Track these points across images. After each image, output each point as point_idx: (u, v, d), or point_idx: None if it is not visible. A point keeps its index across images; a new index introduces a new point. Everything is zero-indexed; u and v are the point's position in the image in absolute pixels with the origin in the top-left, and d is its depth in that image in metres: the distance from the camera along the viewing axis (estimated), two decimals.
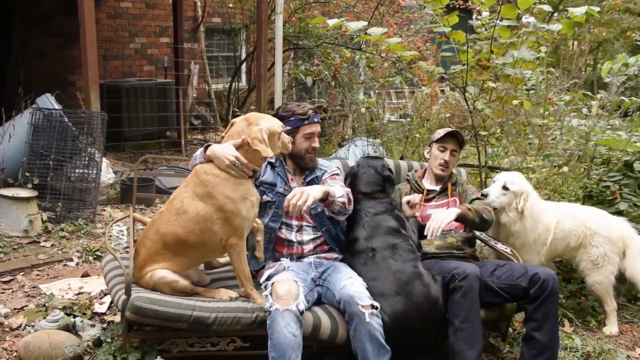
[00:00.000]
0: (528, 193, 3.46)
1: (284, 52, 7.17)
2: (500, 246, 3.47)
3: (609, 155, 4.44)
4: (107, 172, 5.68)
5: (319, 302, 2.86)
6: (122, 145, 8.00)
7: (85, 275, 4.07)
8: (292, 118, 3.02)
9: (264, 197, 3.02)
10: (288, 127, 2.99)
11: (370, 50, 7.67)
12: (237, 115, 7.82)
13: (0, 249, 4.35)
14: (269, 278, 2.85)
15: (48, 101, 5.23)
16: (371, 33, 3.81)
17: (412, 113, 7.20)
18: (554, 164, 4.40)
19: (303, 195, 2.66)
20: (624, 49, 11.80)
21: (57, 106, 5.23)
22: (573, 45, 11.79)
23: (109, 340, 2.94)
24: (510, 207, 3.47)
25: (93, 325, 3.18)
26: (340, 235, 3.11)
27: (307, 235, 3.04)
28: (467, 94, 4.31)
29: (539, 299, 2.83)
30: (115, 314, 3.42)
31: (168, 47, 9.58)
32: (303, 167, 3.10)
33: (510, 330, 3.34)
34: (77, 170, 5.12)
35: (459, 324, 2.72)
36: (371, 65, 8.18)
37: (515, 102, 4.37)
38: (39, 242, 4.62)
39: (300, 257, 3.02)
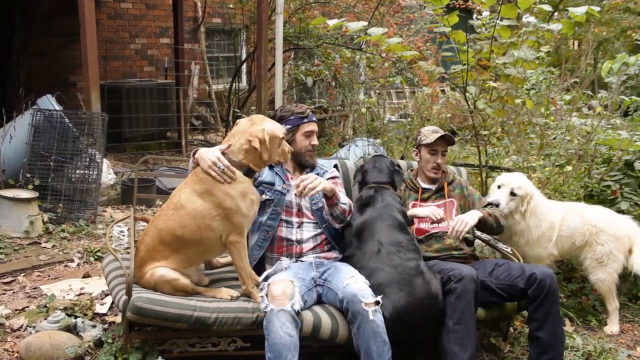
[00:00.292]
0: (532, 195, 3.49)
1: (284, 52, 7.17)
2: (500, 245, 3.48)
3: (609, 154, 4.44)
4: (108, 173, 5.68)
5: (319, 302, 2.86)
6: (123, 146, 8.01)
7: (86, 276, 4.08)
8: (292, 117, 3.09)
9: (263, 195, 3.03)
10: (288, 126, 3.05)
11: (370, 50, 7.66)
12: (238, 116, 7.83)
13: (1, 250, 4.35)
14: (267, 278, 2.86)
15: (49, 102, 5.24)
16: (371, 33, 3.81)
17: (413, 113, 7.20)
18: (555, 164, 4.39)
19: (315, 181, 2.76)
20: (624, 48, 11.80)
21: (57, 107, 5.23)
22: (573, 44, 11.79)
23: (110, 340, 2.94)
24: (516, 210, 3.50)
25: (94, 326, 3.19)
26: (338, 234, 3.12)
27: (308, 232, 3.04)
28: (467, 94, 4.31)
29: (537, 299, 2.84)
30: (116, 315, 3.43)
31: (168, 47, 9.59)
32: (303, 164, 3.14)
33: (511, 329, 3.35)
34: (77, 171, 5.13)
35: (452, 325, 2.73)
36: (371, 65, 8.17)
37: (517, 101, 4.37)
38: (40, 243, 4.62)
39: (299, 256, 3.02)
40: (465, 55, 4.06)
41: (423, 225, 3.25)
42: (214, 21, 10.58)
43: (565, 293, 3.93)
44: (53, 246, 4.59)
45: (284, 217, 3.04)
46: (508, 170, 4.50)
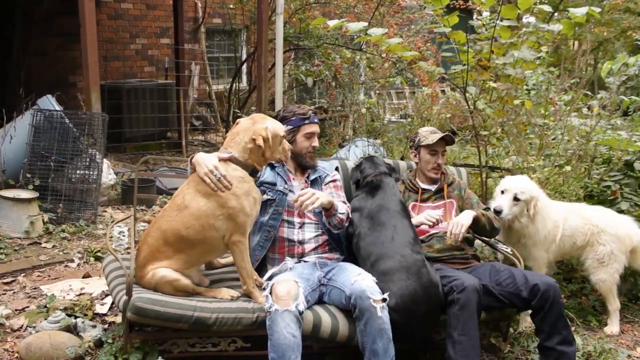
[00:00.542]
0: (537, 198, 3.45)
1: (284, 52, 7.17)
2: (500, 246, 3.47)
3: (609, 154, 4.44)
4: (108, 173, 5.68)
5: (320, 302, 2.87)
6: (123, 146, 8.01)
7: (86, 276, 4.08)
8: (293, 118, 3.10)
9: (264, 195, 3.03)
10: (289, 127, 3.06)
11: (370, 50, 7.67)
12: (238, 116, 7.83)
13: (2, 250, 4.35)
14: (271, 277, 2.86)
15: (49, 102, 5.24)
16: (371, 33, 3.81)
17: (413, 113, 7.20)
18: (555, 164, 4.39)
19: (313, 197, 2.76)
20: (624, 48, 11.80)
21: (58, 107, 5.23)
22: (574, 45, 11.79)
23: (110, 340, 2.95)
24: (521, 214, 3.46)
25: (94, 326, 3.19)
26: (341, 237, 3.13)
27: (309, 233, 3.04)
28: (467, 94, 4.31)
29: (542, 310, 2.84)
30: (116, 315, 3.43)
31: (169, 48, 9.59)
32: (303, 165, 3.15)
33: (511, 330, 3.34)
34: (78, 172, 5.13)
35: (457, 336, 2.73)
36: (372, 65, 8.17)
37: (516, 102, 4.36)
38: (40, 243, 4.62)
39: (301, 256, 3.03)
40: (465, 55, 4.06)
41: (424, 226, 3.25)
42: (214, 21, 10.59)
43: (565, 293, 3.93)
44: (53, 246, 4.59)
45: (285, 218, 3.04)
46: (508, 170, 4.50)
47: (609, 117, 4.77)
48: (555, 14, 9.61)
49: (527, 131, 4.81)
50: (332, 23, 3.80)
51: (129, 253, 3.32)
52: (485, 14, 5.13)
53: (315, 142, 3.14)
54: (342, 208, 2.99)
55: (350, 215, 3.04)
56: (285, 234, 3.04)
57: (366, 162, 3.35)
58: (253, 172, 2.82)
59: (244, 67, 9.99)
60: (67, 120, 5.09)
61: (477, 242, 3.51)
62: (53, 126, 5.05)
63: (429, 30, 8.22)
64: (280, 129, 2.84)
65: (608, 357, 3.26)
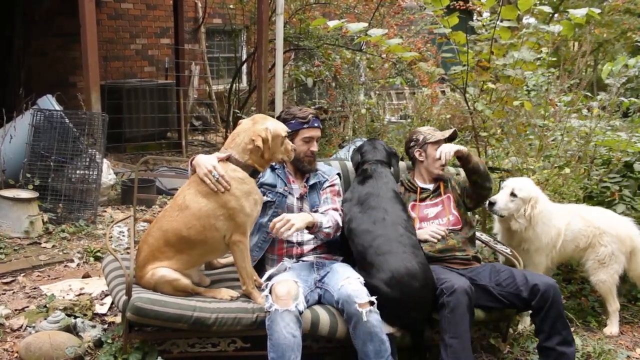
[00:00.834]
0: (537, 199, 3.43)
1: (284, 53, 7.17)
2: (500, 247, 3.47)
3: (609, 156, 4.45)
4: (108, 173, 5.69)
5: (318, 302, 2.87)
6: (123, 146, 8.01)
7: (86, 276, 4.08)
8: (293, 121, 3.07)
9: (265, 197, 3.02)
10: (288, 130, 3.02)
11: (370, 51, 7.67)
12: (238, 117, 7.84)
13: (1, 250, 4.35)
14: (269, 278, 2.86)
15: (49, 102, 5.24)
16: (372, 34, 3.81)
17: (413, 114, 7.21)
18: (555, 165, 4.40)
19: (287, 224, 2.72)
20: (624, 49, 11.80)
21: (58, 107, 5.24)
22: (574, 46, 11.79)
23: (109, 341, 2.95)
24: (518, 214, 3.44)
25: (94, 326, 3.19)
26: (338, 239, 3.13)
27: (308, 234, 3.04)
28: (467, 95, 4.31)
29: (542, 310, 2.85)
30: (116, 315, 3.43)
31: (169, 48, 9.59)
32: (301, 169, 3.14)
33: (511, 330, 3.35)
34: (78, 172, 5.13)
35: (448, 339, 2.73)
36: (372, 66, 8.18)
37: (516, 103, 4.36)
38: (40, 243, 4.62)
39: (300, 257, 3.03)
40: (465, 56, 4.07)
41: (425, 225, 3.26)
42: (214, 22, 10.59)
43: (564, 294, 3.93)
44: (53, 246, 4.59)
45: None
46: (507, 171, 4.50)
47: (608, 118, 4.77)
48: (555, 15, 9.62)
49: (527, 132, 4.82)
50: (332, 23, 3.80)
51: (128, 253, 3.32)
52: (485, 14, 5.13)
53: (314, 147, 3.11)
54: (329, 222, 2.92)
55: (340, 225, 3.00)
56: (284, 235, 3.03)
57: (368, 145, 3.38)
58: (254, 174, 2.81)
59: (244, 67, 10.00)
60: (67, 120, 5.09)
61: (477, 242, 3.51)
62: (53, 126, 5.05)
63: (429, 31, 8.22)
64: (282, 129, 2.84)
65: (607, 357, 3.26)
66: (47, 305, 3.41)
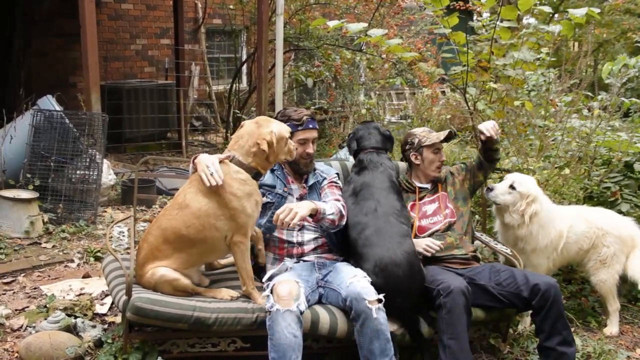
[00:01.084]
0: (534, 198, 3.40)
1: (284, 53, 7.18)
2: (500, 247, 3.47)
3: (609, 156, 4.45)
4: (108, 174, 5.69)
5: (319, 302, 2.88)
6: (123, 147, 8.01)
7: (86, 276, 4.08)
8: (288, 123, 3.04)
9: (264, 198, 3.02)
10: (291, 130, 3.03)
11: (370, 51, 7.68)
12: (238, 117, 7.83)
13: (2, 250, 4.35)
14: (270, 278, 2.86)
15: (49, 102, 5.25)
16: (372, 34, 3.81)
17: (413, 114, 7.21)
18: (555, 165, 4.40)
19: (291, 213, 2.71)
20: (624, 49, 11.81)
21: (58, 107, 5.24)
22: (574, 46, 11.80)
23: (109, 341, 2.95)
24: (514, 208, 3.43)
25: (94, 326, 3.19)
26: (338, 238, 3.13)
27: (308, 235, 3.04)
28: (467, 95, 4.31)
29: (542, 309, 2.85)
30: (116, 315, 3.43)
31: (169, 48, 9.60)
32: (297, 171, 3.14)
33: (511, 331, 3.35)
34: (78, 172, 5.13)
35: (446, 340, 2.74)
36: (372, 66, 8.19)
37: (516, 103, 4.36)
38: (40, 244, 4.62)
39: (301, 256, 3.03)
40: (465, 56, 4.06)
41: (424, 223, 3.27)
42: (214, 22, 10.59)
43: (564, 294, 3.93)
44: (53, 246, 4.59)
45: None
46: (507, 171, 4.50)
47: (609, 118, 4.77)
48: (555, 15, 9.62)
49: (527, 132, 4.82)
50: (332, 24, 3.80)
51: (128, 253, 3.32)
52: (485, 15, 5.14)
53: (310, 149, 3.08)
54: (332, 208, 2.92)
55: (343, 213, 3.00)
56: (285, 236, 3.04)
57: (363, 129, 3.40)
58: (256, 176, 2.81)
59: (244, 67, 10.01)
60: (67, 121, 5.10)
61: (477, 242, 3.51)
62: (53, 126, 5.05)
63: (429, 31, 8.23)
64: (286, 130, 2.84)
65: (607, 358, 3.26)
66: (48, 306, 3.41)
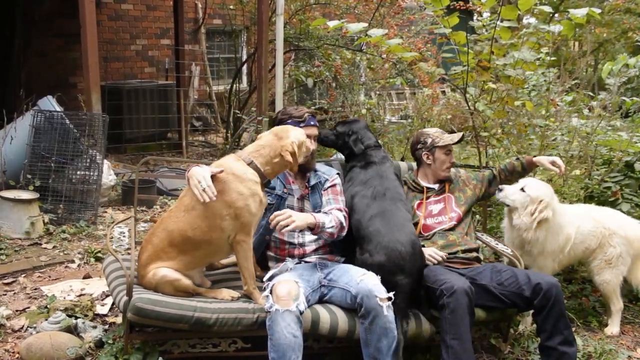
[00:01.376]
0: (547, 204, 3.34)
1: (284, 53, 7.18)
2: (501, 247, 3.47)
3: (610, 155, 4.44)
4: (109, 174, 5.69)
5: (320, 302, 2.87)
6: (124, 147, 8.02)
7: (86, 276, 4.08)
8: (289, 121, 3.07)
9: None
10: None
11: (371, 51, 7.67)
12: (238, 117, 7.82)
13: (2, 250, 4.36)
14: (271, 278, 2.87)
15: (49, 103, 5.24)
16: (372, 34, 3.81)
17: (413, 114, 7.21)
18: None
19: (289, 219, 2.72)
20: (624, 49, 11.80)
21: (58, 108, 5.24)
22: (574, 45, 11.79)
23: (110, 341, 2.95)
24: (524, 210, 3.38)
25: (95, 327, 3.19)
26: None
27: (310, 236, 3.04)
28: (467, 95, 4.31)
29: (544, 309, 2.84)
30: (116, 316, 3.43)
31: (169, 48, 9.60)
32: (300, 169, 3.12)
33: (512, 330, 3.35)
34: (78, 172, 5.13)
35: (449, 340, 2.74)
36: (372, 66, 8.18)
37: (517, 103, 4.36)
38: (41, 244, 4.62)
39: (302, 257, 3.03)
40: (465, 56, 4.06)
41: (429, 222, 3.28)
42: (214, 22, 10.59)
43: (565, 294, 3.93)
44: (54, 247, 4.59)
45: None
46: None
47: (609, 118, 4.77)
48: (556, 14, 9.62)
49: (528, 132, 4.81)
50: (332, 24, 3.80)
51: (129, 254, 3.32)
52: (486, 14, 5.13)
53: (313, 145, 3.11)
54: (331, 222, 2.91)
55: (344, 224, 2.99)
56: (286, 237, 3.04)
57: (362, 130, 3.38)
58: (267, 183, 2.90)
59: (244, 67, 10.00)
60: (67, 121, 5.10)
61: (478, 242, 3.51)
62: (53, 127, 5.05)
63: (429, 31, 8.23)
64: (302, 134, 2.93)
65: (609, 358, 3.26)
66: (48, 306, 3.41)
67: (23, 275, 4.10)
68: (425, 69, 4.51)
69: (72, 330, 3.09)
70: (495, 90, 4.39)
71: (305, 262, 3.02)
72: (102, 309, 3.52)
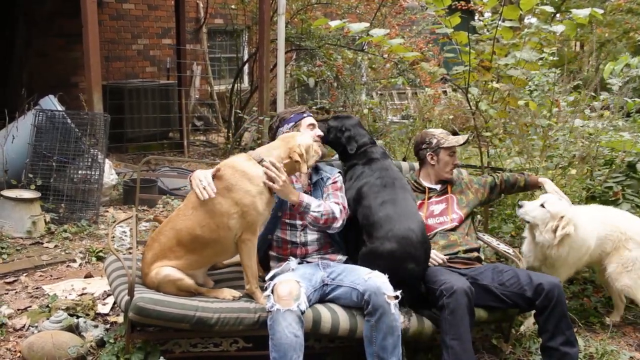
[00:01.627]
0: (568, 220, 3.29)
1: (286, 53, 7.19)
2: (502, 247, 3.47)
3: (612, 156, 4.44)
4: (110, 174, 5.69)
5: (321, 301, 2.87)
6: (125, 147, 8.02)
7: (88, 276, 4.08)
8: (292, 115, 3.16)
9: None
10: (291, 124, 3.13)
11: (372, 51, 7.67)
12: (240, 116, 7.82)
13: (4, 250, 4.36)
14: (273, 277, 2.87)
15: (51, 102, 5.25)
16: (373, 34, 3.81)
17: (415, 114, 7.20)
18: (559, 165, 4.39)
19: (279, 179, 2.76)
20: (626, 49, 11.78)
21: (60, 107, 5.24)
22: (575, 45, 11.78)
23: (112, 340, 2.95)
24: (545, 227, 3.34)
25: (96, 326, 3.19)
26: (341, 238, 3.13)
27: (312, 235, 3.04)
28: (469, 95, 4.31)
29: (546, 309, 2.84)
30: (118, 315, 3.43)
31: (170, 48, 9.60)
32: None
33: (513, 331, 3.34)
34: (80, 172, 5.14)
35: (449, 341, 2.74)
36: (373, 66, 8.19)
37: (520, 102, 4.35)
38: (42, 243, 4.63)
39: (304, 257, 3.03)
40: (467, 56, 4.06)
41: (431, 222, 3.28)
42: (215, 22, 10.60)
43: (567, 295, 3.92)
44: (55, 246, 4.59)
45: (287, 221, 3.04)
46: (510, 171, 4.50)
47: (612, 118, 4.76)
48: (558, 14, 9.59)
49: (530, 132, 4.81)
50: (333, 24, 3.80)
51: (131, 253, 3.32)
52: (487, 14, 5.13)
53: (319, 131, 3.17)
54: (320, 207, 2.90)
55: (335, 216, 2.95)
56: (288, 237, 3.04)
57: (356, 128, 3.32)
58: None
59: (246, 67, 10.01)
60: (69, 121, 5.10)
61: (478, 242, 3.51)
62: (55, 126, 5.05)
63: (430, 31, 8.23)
64: (309, 137, 2.98)
65: (610, 358, 3.25)
66: (50, 305, 3.42)
67: (25, 275, 4.10)
68: (426, 68, 4.51)
69: (74, 329, 3.09)
70: (497, 90, 4.38)
71: (308, 261, 3.02)
72: (103, 309, 3.52)
